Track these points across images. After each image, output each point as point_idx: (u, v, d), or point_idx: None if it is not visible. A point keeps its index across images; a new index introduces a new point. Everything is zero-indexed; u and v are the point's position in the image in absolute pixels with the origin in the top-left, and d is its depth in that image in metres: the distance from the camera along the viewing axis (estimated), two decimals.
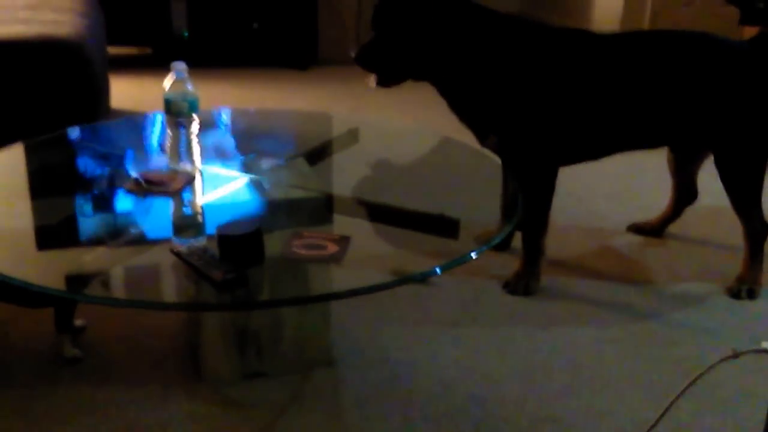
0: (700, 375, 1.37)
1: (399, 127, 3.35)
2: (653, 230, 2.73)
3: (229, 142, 2.23)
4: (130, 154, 2.15)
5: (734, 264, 2.42)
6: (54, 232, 1.74)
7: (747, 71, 2.24)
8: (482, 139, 2.28)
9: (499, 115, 2.24)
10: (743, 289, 2.37)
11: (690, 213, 2.72)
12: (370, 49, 2.16)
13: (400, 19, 2.13)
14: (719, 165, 2.32)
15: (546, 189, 2.30)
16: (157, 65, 4.42)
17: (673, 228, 2.73)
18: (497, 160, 2.24)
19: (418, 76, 2.19)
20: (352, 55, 2.17)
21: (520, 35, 2.22)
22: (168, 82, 1.89)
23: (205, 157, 1.96)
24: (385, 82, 2.18)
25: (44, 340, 1.99)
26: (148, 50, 4.82)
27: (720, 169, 2.32)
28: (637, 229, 2.75)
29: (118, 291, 1.62)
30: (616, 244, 2.70)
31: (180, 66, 1.89)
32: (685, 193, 2.66)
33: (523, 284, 2.34)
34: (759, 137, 2.28)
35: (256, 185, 1.95)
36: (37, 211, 1.86)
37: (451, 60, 2.16)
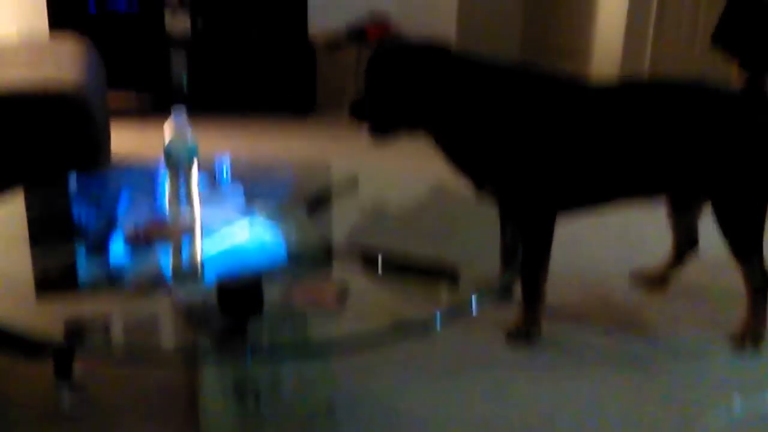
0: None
1: (397, 174, 3.36)
2: (656, 279, 2.72)
3: (228, 189, 2.22)
4: (129, 202, 2.15)
5: (738, 313, 2.40)
6: (53, 281, 1.73)
7: (739, 118, 2.25)
8: (478, 187, 2.28)
9: (495, 165, 2.24)
10: (747, 338, 2.34)
11: (693, 261, 2.71)
12: (363, 102, 2.18)
13: (392, 72, 2.14)
14: (717, 213, 2.31)
15: (544, 237, 2.29)
16: (157, 111, 4.46)
17: (676, 277, 2.72)
18: (494, 208, 2.24)
19: (412, 127, 2.19)
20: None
21: (514, 85, 2.23)
22: (168, 128, 1.89)
23: (205, 205, 1.96)
24: (378, 133, 2.19)
25: (43, 388, 1.96)
26: (148, 96, 4.85)
27: (717, 217, 2.31)
28: (639, 278, 2.74)
29: (117, 341, 1.60)
30: (619, 293, 2.69)
31: (180, 112, 1.89)
32: (685, 240, 2.65)
33: (524, 333, 2.32)
34: (755, 184, 2.28)
35: (255, 233, 1.94)
36: (36, 260, 1.86)
37: (445, 111, 2.16)
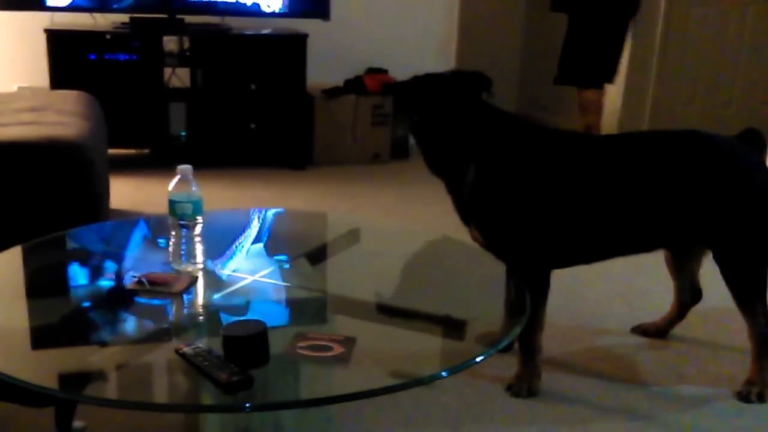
0: None
1: (397, 226, 3.37)
2: (658, 332, 2.71)
3: (230, 242, 2.23)
4: (132, 254, 2.15)
5: (743, 367, 2.39)
6: (56, 332, 1.72)
7: (737, 167, 2.26)
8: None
9: (491, 215, 2.25)
10: (753, 392, 2.32)
11: (696, 314, 2.70)
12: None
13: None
14: (719, 262, 2.31)
15: (539, 288, 2.28)
16: (155, 166, 4.48)
17: (679, 330, 2.72)
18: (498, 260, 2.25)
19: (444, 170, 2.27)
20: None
21: (517, 136, 2.26)
22: (173, 184, 1.91)
23: (208, 258, 1.96)
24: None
25: None
26: (147, 151, 4.88)
27: (720, 266, 2.31)
28: (642, 331, 2.73)
29: (120, 392, 1.59)
30: (621, 346, 2.68)
31: (186, 169, 1.91)
32: (688, 292, 2.65)
33: (525, 386, 2.31)
34: (756, 232, 2.27)
35: (259, 286, 1.94)
36: (38, 312, 1.85)
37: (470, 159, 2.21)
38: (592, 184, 2.24)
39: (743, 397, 2.33)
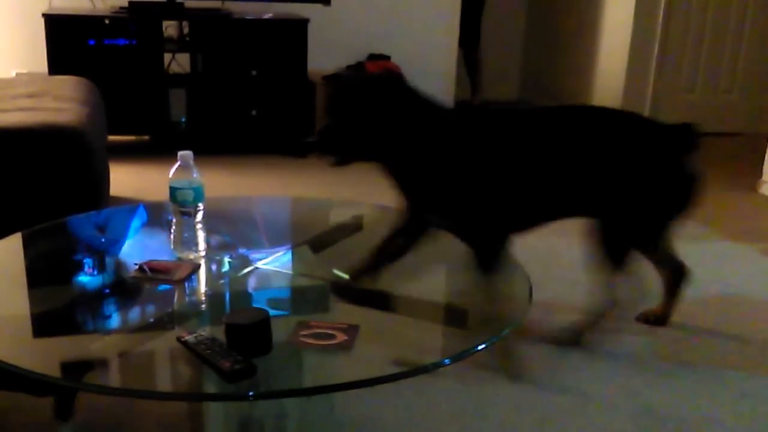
0: None
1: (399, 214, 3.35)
2: (657, 319, 2.71)
3: (232, 230, 2.22)
4: (133, 241, 2.14)
5: (744, 355, 2.39)
6: (56, 320, 1.71)
7: (656, 153, 2.38)
8: (420, 213, 2.37)
9: (433, 191, 2.34)
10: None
11: (697, 303, 2.71)
12: (326, 134, 2.32)
13: (348, 105, 2.29)
14: (597, 232, 2.42)
15: (491, 253, 2.30)
16: (155, 153, 4.47)
17: (680, 317, 2.73)
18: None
19: (369, 159, 2.32)
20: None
21: (447, 119, 2.39)
22: (173, 171, 1.89)
23: (210, 245, 1.95)
24: (341, 162, 2.31)
25: (44, 429, 1.94)
26: (146, 138, 4.86)
27: (597, 236, 2.42)
28: (644, 319, 2.74)
29: (121, 380, 1.58)
30: (622, 334, 2.68)
31: (186, 155, 1.89)
32: (668, 270, 2.68)
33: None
34: (636, 210, 2.40)
35: (261, 273, 1.93)
36: (37, 299, 1.84)
37: (394, 143, 2.28)
38: (508, 157, 2.37)
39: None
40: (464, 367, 2.33)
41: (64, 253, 2.10)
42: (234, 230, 2.20)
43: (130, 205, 3.42)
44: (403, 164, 2.33)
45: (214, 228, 2.02)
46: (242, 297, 1.85)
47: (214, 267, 1.93)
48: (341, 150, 2.30)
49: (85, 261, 1.98)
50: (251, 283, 1.90)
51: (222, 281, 1.91)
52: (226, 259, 1.98)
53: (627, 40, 5.72)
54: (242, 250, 2.08)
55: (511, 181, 2.36)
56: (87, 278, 1.92)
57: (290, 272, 2.02)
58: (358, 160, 2.30)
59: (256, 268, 1.94)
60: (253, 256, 2.02)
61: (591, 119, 2.43)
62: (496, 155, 2.36)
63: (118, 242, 2.12)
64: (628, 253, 2.46)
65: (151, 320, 1.74)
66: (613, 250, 2.43)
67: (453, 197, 2.34)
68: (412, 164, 2.32)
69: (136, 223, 2.29)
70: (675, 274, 2.67)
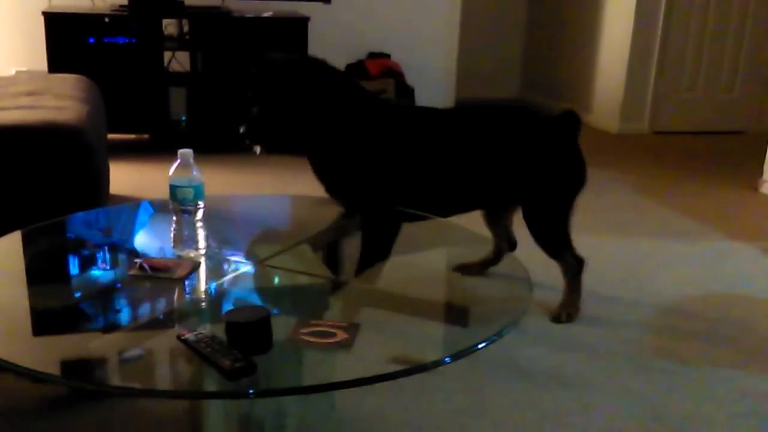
0: None
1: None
2: (477, 270, 2.67)
3: (232, 228, 2.22)
4: (133, 240, 2.14)
5: (744, 354, 2.39)
6: (57, 318, 1.71)
7: (547, 140, 2.62)
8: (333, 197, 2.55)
9: (347, 177, 2.50)
10: (563, 314, 2.71)
11: (698, 301, 2.72)
12: (253, 125, 2.46)
13: (275, 99, 2.45)
14: (527, 220, 2.67)
15: (387, 235, 2.36)
16: (155, 151, 4.46)
17: (681, 316, 2.78)
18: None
19: (293, 150, 2.49)
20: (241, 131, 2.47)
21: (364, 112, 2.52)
22: (173, 169, 1.89)
23: (210, 243, 1.95)
24: (268, 151, 2.44)
25: (52, 412, 1.94)
26: (146, 136, 4.86)
27: (528, 224, 2.66)
28: (464, 269, 2.71)
29: (123, 378, 1.58)
30: (623, 330, 2.68)
31: (186, 153, 1.89)
32: (504, 242, 2.92)
33: None
34: (556, 196, 2.65)
35: (262, 272, 1.93)
36: (39, 297, 1.84)
37: (317, 133, 2.43)
38: (423, 149, 2.53)
39: (556, 318, 2.71)
40: (464, 365, 2.32)
41: (63, 252, 2.10)
42: (234, 228, 2.20)
43: (131, 203, 3.43)
44: (316, 143, 2.46)
45: (214, 226, 2.02)
46: (242, 295, 1.85)
47: (214, 265, 1.92)
48: (269, 142, 2.43)
49: (88, 259, 1.98)
50: (251, 282, 1.90)
51: (222, 279, 1.91)
52: (227, 257, 1.98)
53: (628, 39, 5.72)
54: (242, 248, 2.07)
55: (403, 165, 2.51)
56: (85, 275, 1.92)
57: (291, 270, 2.02)
58: (283, 149, 2.45)
59: (257, 266, 1.94)
60: (254, 253, 2.02)
61: (486, 115, 2.64)
62: (394, 143, 2.51)
63: (118, 240, 2.12)
64: (560, 231, 2.68)
65: (152, 318, 1.74)
66: (541, 232, 2.67)
67: (353, 172, 2.49)
68: (323, 143, 2.46)
69: (136, 221, 2.29)
70: (510, 245, 2.92)
